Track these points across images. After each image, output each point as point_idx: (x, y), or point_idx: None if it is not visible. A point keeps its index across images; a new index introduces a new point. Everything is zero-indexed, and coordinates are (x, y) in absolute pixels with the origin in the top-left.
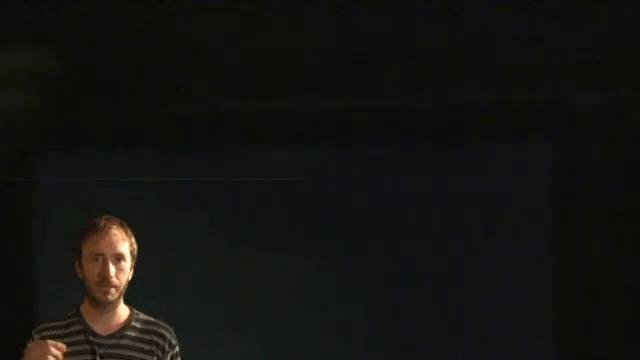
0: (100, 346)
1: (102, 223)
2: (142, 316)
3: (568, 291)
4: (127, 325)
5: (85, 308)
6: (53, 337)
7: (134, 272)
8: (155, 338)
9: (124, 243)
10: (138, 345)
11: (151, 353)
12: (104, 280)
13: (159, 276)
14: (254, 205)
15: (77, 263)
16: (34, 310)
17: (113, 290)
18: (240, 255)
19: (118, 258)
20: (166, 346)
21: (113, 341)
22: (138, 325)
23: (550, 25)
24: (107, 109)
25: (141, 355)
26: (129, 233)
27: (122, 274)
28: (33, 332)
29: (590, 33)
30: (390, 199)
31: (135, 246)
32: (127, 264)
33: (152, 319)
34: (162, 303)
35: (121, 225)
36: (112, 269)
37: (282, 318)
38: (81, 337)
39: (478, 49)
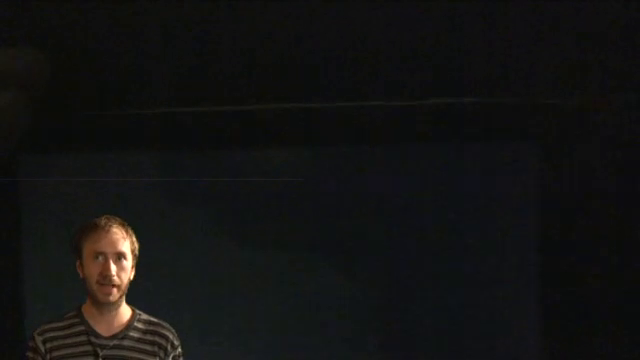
0: (102, 347)
1: (102, 222)
2: (144, 316)
3: (567, 291)
4: (129, 325)
5: (87, 308)
6: (55, 338)
7: (135, 272)
8: (157, 339)
9: (125, 242)
10: (140, 346)
11: (153, 354)
12: (105, 279)
13: (159, 276)
14: (254, 205)
15: (78, 263)
16: (31, 310)
17: (115, 290)
18: (240, 255)
19: (119, 257)
20: (168, 347)
21: (115, 342)
22: (140, 325)
23: (550, 25)
24: (105, 109)
25: (143, 356)
26: (130, 232)
27: (123, 273)
28: (34, 334)
29: (590, 33)
30: (390, 199)
31: (136, 245)
32: (128, 263)
33: (154, 319)
34: (162, 303)
35: (122, 224)
36: (113, 267)
37: (282, 318)
38: (83, 338)
39: (478, 49)
